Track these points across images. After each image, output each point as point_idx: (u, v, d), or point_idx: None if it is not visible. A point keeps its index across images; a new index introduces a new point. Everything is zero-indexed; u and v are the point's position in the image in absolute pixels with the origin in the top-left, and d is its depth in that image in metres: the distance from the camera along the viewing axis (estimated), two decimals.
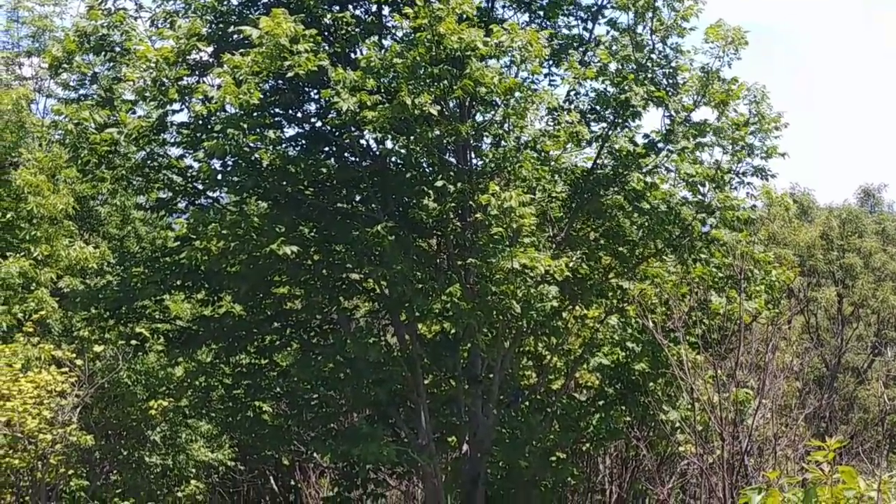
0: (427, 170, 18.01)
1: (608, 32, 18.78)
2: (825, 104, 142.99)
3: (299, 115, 18.97)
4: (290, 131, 18.87)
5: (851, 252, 37.34)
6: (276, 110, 18.41)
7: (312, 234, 18.57)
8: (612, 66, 17.81)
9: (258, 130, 16.40)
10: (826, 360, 36.18)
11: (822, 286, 37.22)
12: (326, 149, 18.81)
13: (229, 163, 17.37)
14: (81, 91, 18.88)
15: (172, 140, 17.73)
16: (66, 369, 17.38)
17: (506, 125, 17.00)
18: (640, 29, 18.14)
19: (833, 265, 37.17)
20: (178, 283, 19.17)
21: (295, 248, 16.34)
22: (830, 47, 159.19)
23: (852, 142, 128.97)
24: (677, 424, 19.41)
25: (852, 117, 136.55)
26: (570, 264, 17.11)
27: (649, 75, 17.82)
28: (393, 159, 18.33)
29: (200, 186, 18.28)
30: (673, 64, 18.23)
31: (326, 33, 17.49)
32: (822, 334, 37.52)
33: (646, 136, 18.49)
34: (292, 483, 27.69)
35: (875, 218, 42.96)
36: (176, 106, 17.08)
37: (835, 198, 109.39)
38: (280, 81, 17.76)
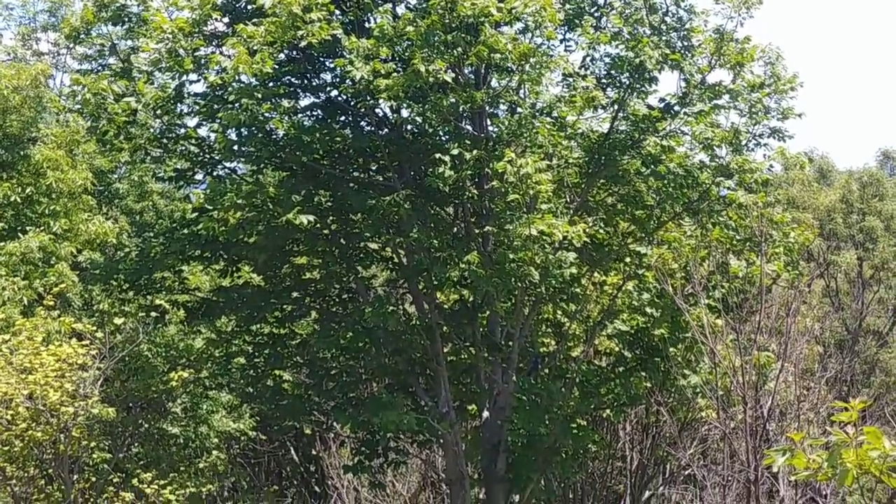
0: (443, 137, 17.94)
1: None
2: (841, 66, 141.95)
3: (314, 84, 18.91)
4: (304, 101, 18.84)
5: (872, 215, 37.11)
6: (291, 80, 18.36)
7: (329, 203, 18.55)
8: (626, 31, 17.70)
9: (273, 100, 16.36)
10: (847, 324, 36.05)
11: (843, 250, 37.02)
12: (342, 118, 18.77)
13: (245, 133, 17.35)
14: (100, 61, 18.85)
15: (189, 110, 17.72)
16: (87, 342, 17.48)
17: (521, 91, 16.90)
18: None
19: (853, 228, 36.96)
20: (197, 253, 19.22)
21: (311, 218, 16.33)
22: (845, 7, 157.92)
23: (871, 104, 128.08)
24: (698, 389, 19.37)
25: (870, 79, 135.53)
26: (588, 230, 17.03)
27: (664, 38, 17.70)
28: (408, 127, 18.27)
29: (217, 157, 18.27)
30: (687, 26, 18.10)
31: (339, 1, 17.39)
32: (843, 298, 37.36)
33: (661, 99, 18.39)
34: (313, 453, 27.79)
35: (895, 181, 42.64)
36: (192, 77, 17.05)
37: (854, 162, 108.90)
38: (294, 51, 17.69)
